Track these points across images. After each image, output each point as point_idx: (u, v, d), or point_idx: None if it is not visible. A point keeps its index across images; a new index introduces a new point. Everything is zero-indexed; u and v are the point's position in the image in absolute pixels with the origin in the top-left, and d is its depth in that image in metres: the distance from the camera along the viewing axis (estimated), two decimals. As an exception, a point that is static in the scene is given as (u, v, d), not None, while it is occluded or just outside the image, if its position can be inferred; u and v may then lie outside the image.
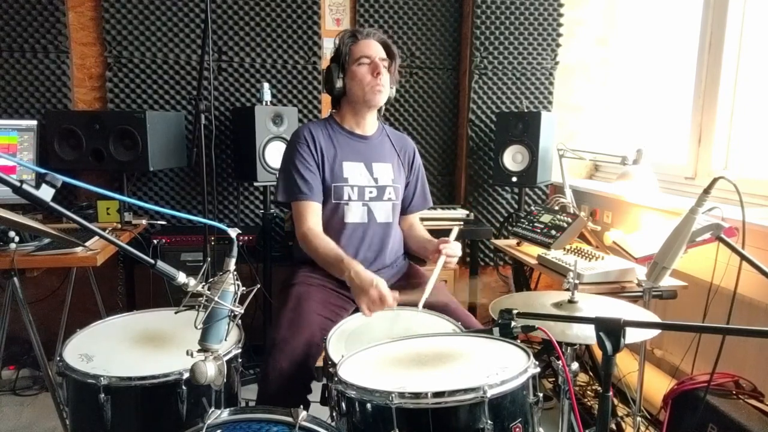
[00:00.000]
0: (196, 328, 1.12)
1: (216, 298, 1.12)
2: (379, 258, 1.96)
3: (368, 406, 1.17)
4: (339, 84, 1.90)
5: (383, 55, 1.90)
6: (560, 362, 1.28)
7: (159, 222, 2.83)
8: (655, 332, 1.68)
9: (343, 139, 1.96)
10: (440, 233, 2.05)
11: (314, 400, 1.53)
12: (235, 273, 1.16)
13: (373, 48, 1.88)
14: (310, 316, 1.71)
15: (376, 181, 1.95)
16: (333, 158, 1.91)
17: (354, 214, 1.92)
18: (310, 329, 1.66)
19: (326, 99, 3.14)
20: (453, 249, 1.80)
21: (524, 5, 3.04)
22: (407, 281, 1.99)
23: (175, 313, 1.57)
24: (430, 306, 1.68)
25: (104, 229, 1.66)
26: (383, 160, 1.99)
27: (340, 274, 1.73)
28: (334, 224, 1.91)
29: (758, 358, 1.88)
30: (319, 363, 1.60)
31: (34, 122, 2.60)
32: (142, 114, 2.48)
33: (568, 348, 1.48)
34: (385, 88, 1.89)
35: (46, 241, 2.02)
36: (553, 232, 2.33)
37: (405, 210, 2.09)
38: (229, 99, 3.01)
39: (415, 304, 1.66)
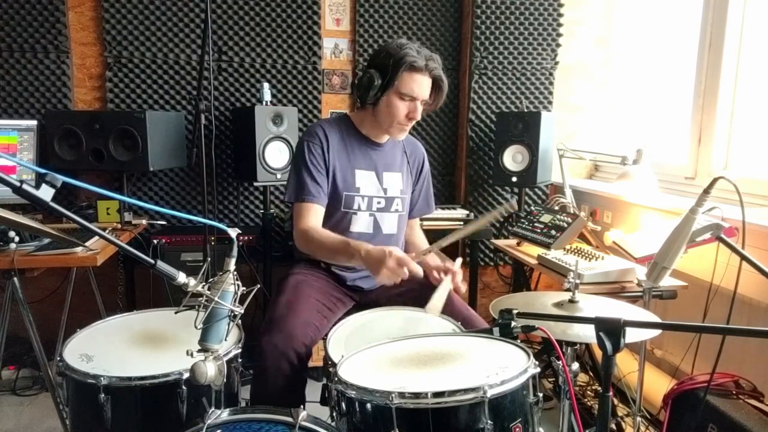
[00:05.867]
0: (196, 328, 1.12)
1: (216, 298, 1.12)
2: None
3: (368, 406, 1.17)
4: (372, 98, 1.80)
5: (427, 95, 1.82)
6: (560, 362, 1.27)
7: (159, 222, 2.83)
8: (655, 332, 1.68)
9: (357, 144, 1.92)
10: (441, 233, 2.05)
11: (314, 400, 1.53)
12: (235, 273, 1.16)
13: (423, 88, 1.79)
14: (308, 300, 1.71)
15: (385, 192, 1.93)
16: (346, 165, 1.87)
17: (360, 223, 1.90)
18: (308, 311, 1.66)
19: (326, 99, 3.14)
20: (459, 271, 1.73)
21: (524, 5, 3.04)
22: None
23: (175, 313, 1.56)
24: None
25: (104, 229, 1.66)
26: (393, 169, 1.96)
27: (350, 258, 1.65)
28: (338, 233, 1.85)
29: (758, 358, 1.88)
30: (319, 363, 1.60)
31: (34, 122, 2.60)
32: (142, 114, 2.47)
33: (568, 348, 1.48)
34: (410, 127, 1.87)
35: (46, 241, 2.02)
36: (553, 232, 2.33)
37: (408, 214, 2.06)
38: (229, 99, 3.01)
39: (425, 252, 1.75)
